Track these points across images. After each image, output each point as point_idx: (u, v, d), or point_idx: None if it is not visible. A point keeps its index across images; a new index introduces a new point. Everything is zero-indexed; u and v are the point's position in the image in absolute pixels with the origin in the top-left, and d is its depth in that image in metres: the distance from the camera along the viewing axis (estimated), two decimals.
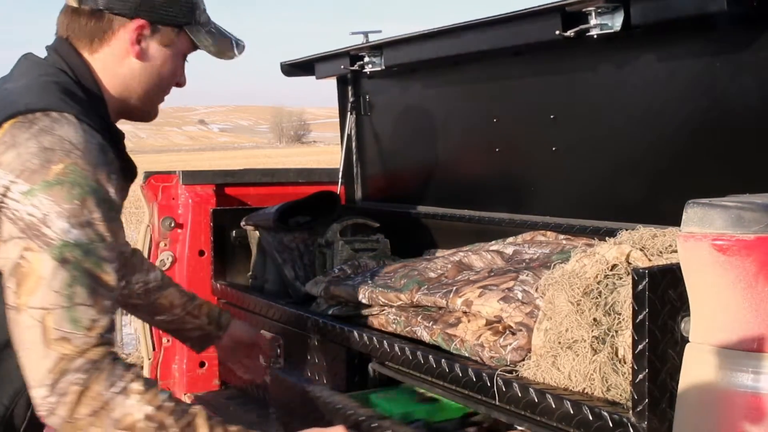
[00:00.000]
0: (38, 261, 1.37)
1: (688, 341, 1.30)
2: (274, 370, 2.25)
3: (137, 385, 1.38)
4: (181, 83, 1.76)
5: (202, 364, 3.28)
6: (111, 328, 1.41)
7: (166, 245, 3.24)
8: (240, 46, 1.76)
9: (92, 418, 1.35)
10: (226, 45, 1.73)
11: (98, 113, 1.58)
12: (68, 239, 1.38)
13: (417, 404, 1.99)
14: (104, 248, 1.42)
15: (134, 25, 1.61)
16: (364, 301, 2.21)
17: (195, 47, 1.71)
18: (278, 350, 2.56)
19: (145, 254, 3.24)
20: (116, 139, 1.63)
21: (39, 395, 1.36)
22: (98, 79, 1.63)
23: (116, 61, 1.64)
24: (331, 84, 3.52)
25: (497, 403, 1.67)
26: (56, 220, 1.38)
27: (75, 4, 1.61)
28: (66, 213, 1.39)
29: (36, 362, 1.37)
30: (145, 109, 1.73)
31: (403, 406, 1.97)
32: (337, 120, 3.53)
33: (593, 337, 1.51)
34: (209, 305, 2.30)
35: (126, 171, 1.66)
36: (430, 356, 1.88)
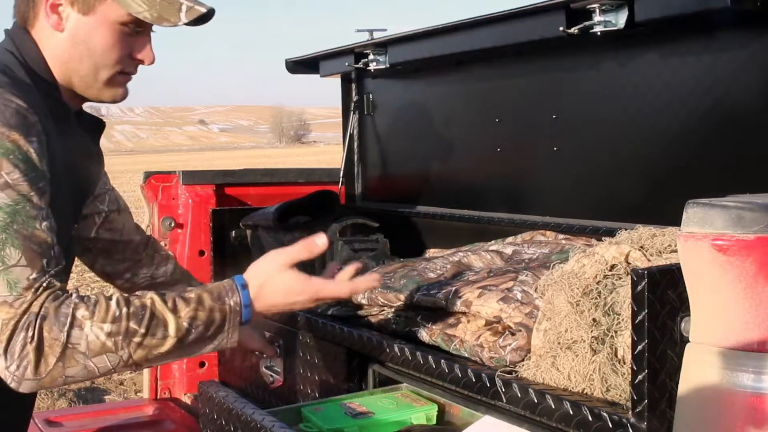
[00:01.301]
0: None
1: (687, 341, 1.30)
2: (202, 386, 2.21)
3: (83, 311, 1.36)
4: (142, 60, 1.61)
5: (202, 364, 3.28)
6: (50, 275, 1.37)
7: (166, 245, 3.24)
8: (194, 10, 1.57)
9: (61, 363, 1.34)
10: (168, 10, 1.55)
11: (41, 90, 1.53)
12: None
13: (350, 419, 1.94)
14: (31, 207, 1.38)
15: None
16: (363, 301, 2.21)
17: (129, 14, 1.55)
18: (278, 352, 2.56)
19: None
20: (65, 117, 1.58)
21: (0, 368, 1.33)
22: (44, 57, 1.57)
23: (47, 36, 1.57)
24: (331, 84, 3.52)
25: (496, 403, 1.67)
26: None
27: None
28: None
29: None
30: (92, 88, 1.60)
31: (334, 422, 1.92)
32: (337, 120, 3.53)
33: (592, 337, 1.51)
34: None
35: (76, 157, 1.61)
36: (430, 357, 1.87)
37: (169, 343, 1.42)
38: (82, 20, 1.55)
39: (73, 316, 1.35)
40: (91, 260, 2.08)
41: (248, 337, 2.31)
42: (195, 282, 2.23)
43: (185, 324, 1.43)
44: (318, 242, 1.61)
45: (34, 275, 1.35)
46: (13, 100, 1.43)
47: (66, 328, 1.34)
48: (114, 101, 1.64)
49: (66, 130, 1.58)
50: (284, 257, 1.57)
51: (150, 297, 1.43)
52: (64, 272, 1.54)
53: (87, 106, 1.76)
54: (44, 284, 1.36)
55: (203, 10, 1.57)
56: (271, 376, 2.56)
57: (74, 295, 1.39)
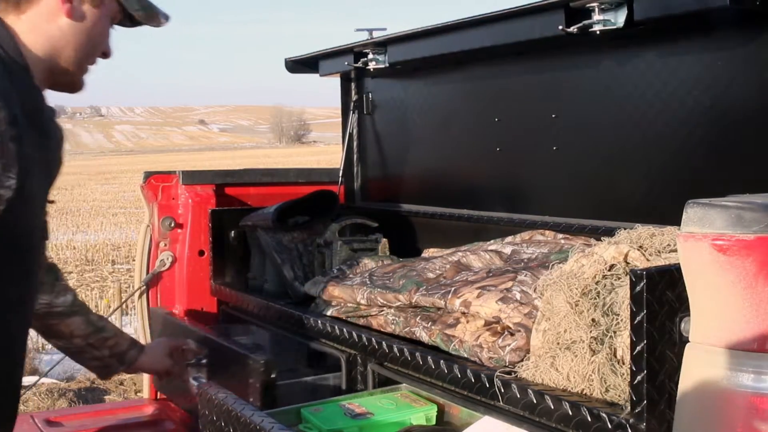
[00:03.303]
0: None
1: (687, 341, 1.30)
2: (201, 388, 2.19)
3: None
4: (107, 53, 1.76)
5: None
6: None
7: (166, 245, 3.23)
8: (166, 16, 1.80)
9: None
10: (153, 11, 1.77)
11: (13, 72, 1.57)
12: None
13: (349, 420, 1.95)
14: None
15: None
16: (362, 301, 2.21)
17: (122, 12, 1.73)
18: (202, 364, 2.47)
19: (145, 254, 3.24)
20: (34, 103, 1.62)
21: None
22: (21, 42, 1.63)
23: (45, 21, 1.64)
24: (331, 84, 3.52)
25: (496, 404, 1.67)
26: None
27: None
28: None
29: None
30: (72, 73, 1.71)
31: (333, 423, 1.92)
32: (337, 120, 3.52)
33: (592, 337, 1.50)
34: (118, 339, 2.24)
35: (44, 138, 1.65)
36: (429, 357, 1.87)
37: None
38: (91, 11, 1.67)
39: None
40: None
41: (151, 365, 2.33)
42: (93, 317, 2.22)
43: None
44: None
45: None
46: None
47: None
48: (74, 90, 1.75)
49: (36, 114, 1.61)
50: None
51: None
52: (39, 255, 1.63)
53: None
54: None
55: (169, 17, 1.80)
56: (198, 388, 2.47)
57: None
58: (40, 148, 1.59)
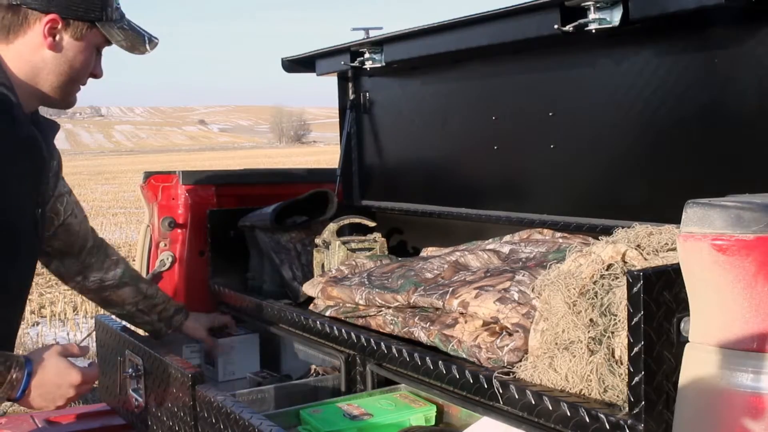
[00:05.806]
0: None
1: (686, 341, 1.29)
2: (200, 389, 2.19)
3: None
4: (97, 74, 1.93)
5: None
6: None
7: (166, 245, 3.22)
8: (153, 43, 1.94)
9: None
10: (137, 40, 1.92)
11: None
12: None
13: (348, 421, 1.94)
14: None
15: (47, 19, 1.79)
16: (361, 302, 2.20)
17: (107, 41, 1.88)
18: (140, 375, 2.47)
19: (145, 254, 3.23)
20: (21, 116, 1.78)
21: None
22: (7, 66, 1.81)
23: (30, 51, 1.81)
24: (331, 84, 3.51)
25: (494, 404, 1.66)
26: None
27: None
28: None
29: None
30: (58, 97, 1.87)
31: (332, 425, 1.92)
32: (337, 120, 3.52)
33: (590, 338, 1.50)
34: (166, 305, 2.57)
35: (31, 146, 1.81)
36: (428, 357, 1.87)
37: None
38: (72, 43, 1.84)
39: None
40: (47, 261, 2.34)
41: (192, 330, 2.64)
42: (143, 285, 2.50)
43: None
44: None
45: None
46: None
47: None
48: (64, 108, 1.92)
49: (18, 129, 1.75)
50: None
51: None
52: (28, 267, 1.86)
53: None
54: None
55: (157, 40, 1.95)
56: (136, 399, 2.48)
57: None
58: (27, 155, 1.77)
